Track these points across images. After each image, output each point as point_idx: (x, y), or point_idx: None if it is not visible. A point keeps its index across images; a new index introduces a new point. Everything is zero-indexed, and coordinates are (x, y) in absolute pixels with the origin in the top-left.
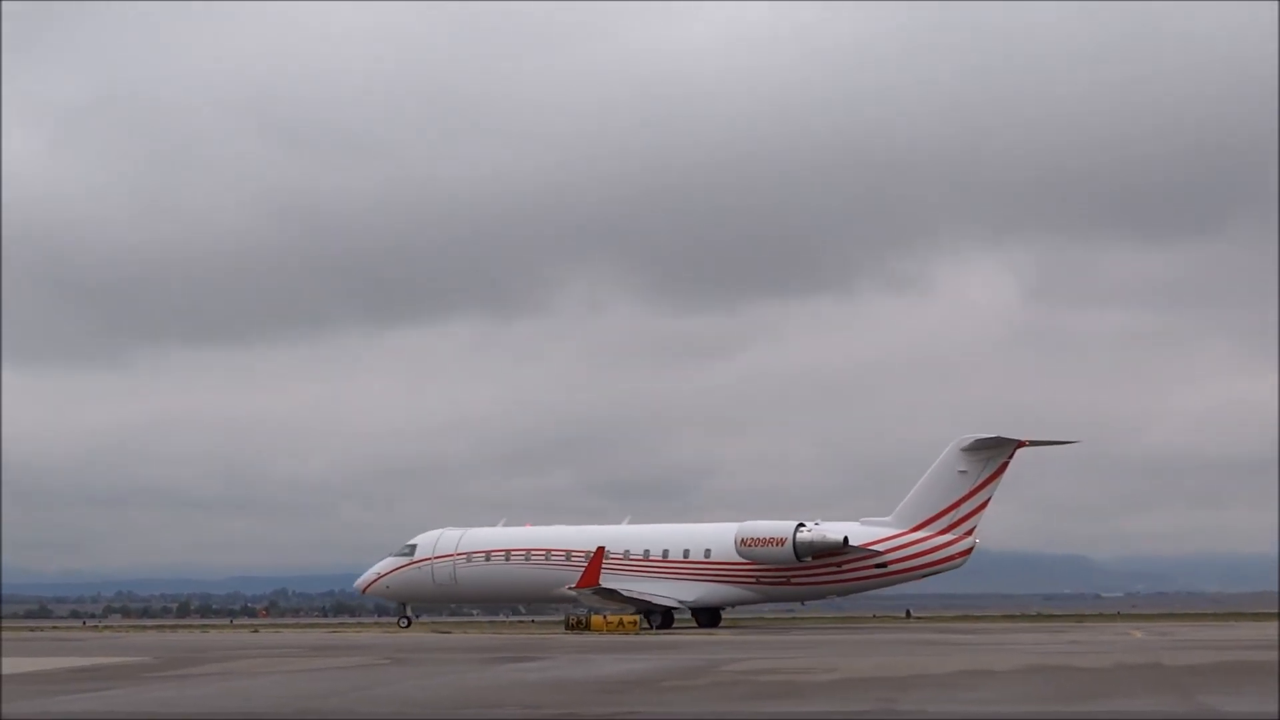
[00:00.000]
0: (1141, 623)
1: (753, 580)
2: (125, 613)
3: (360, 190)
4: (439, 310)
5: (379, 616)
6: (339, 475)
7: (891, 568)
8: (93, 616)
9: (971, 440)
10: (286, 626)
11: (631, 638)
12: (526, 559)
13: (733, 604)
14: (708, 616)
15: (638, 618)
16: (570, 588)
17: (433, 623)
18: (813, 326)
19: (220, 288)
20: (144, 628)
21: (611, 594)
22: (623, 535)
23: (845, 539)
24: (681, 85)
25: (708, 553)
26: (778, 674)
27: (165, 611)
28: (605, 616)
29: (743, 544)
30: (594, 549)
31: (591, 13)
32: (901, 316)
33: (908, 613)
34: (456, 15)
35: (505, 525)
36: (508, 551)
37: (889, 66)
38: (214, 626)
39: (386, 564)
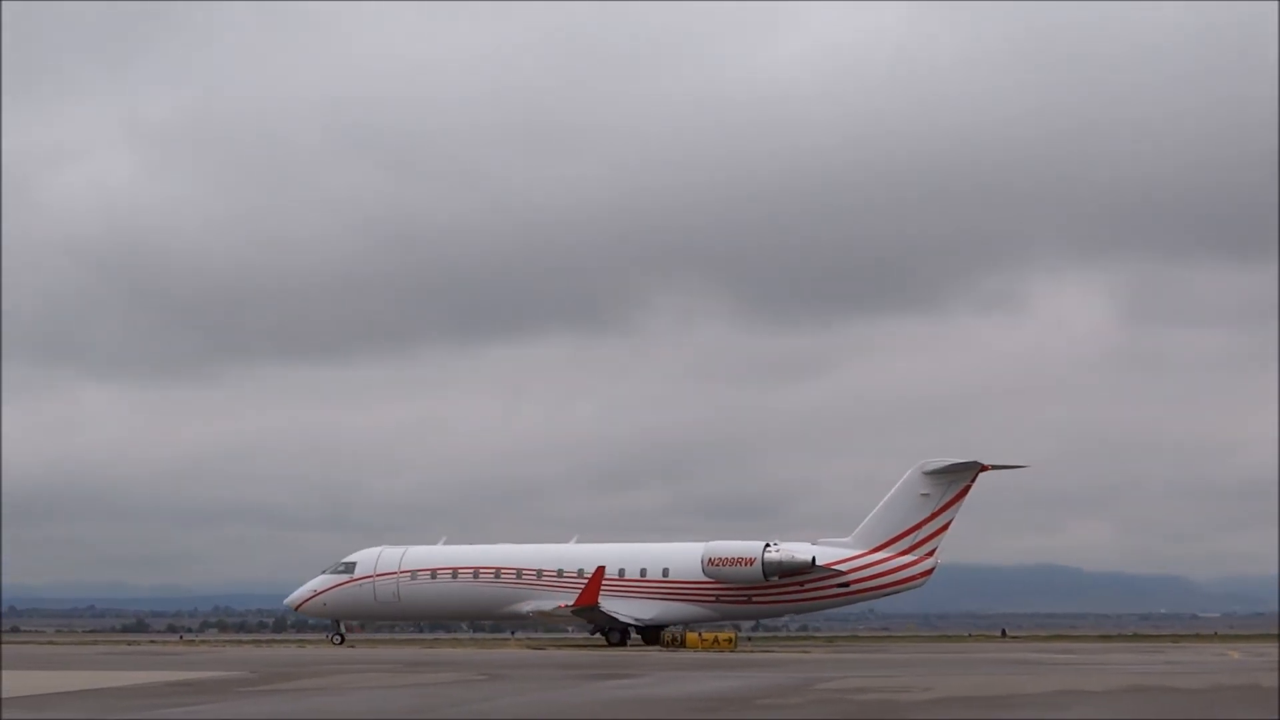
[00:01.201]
0: (1238, 643)
1: (712, 599)
2: (222, 627)
3: (454, 210)
4: (531, 328)
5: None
6: (431, 494)
7: (853, 587)
8: (189, 631)
9: (934, 464)
10: (381, 643)
11: (726, 655)
12: (475, 577)
13: (690, 621)
14: (651, 633)
15: (733, 635)
16: (567, 605)
17: (528, 639)
18: (904, 345)
19: (315, 306)
20: (240, 642)
21: (595, 611)
22: (576, 555)
23: (813, 559)
24: (774, 104)
25: (665, 571)
26: (874, 693)
27: (261, 626)
28: (700, 634)
29: (710, 563)
30: (545, 567)
31: (682, 34)
32: (993, 336)
33: (1003, 632)
34: (550, 40)
35: (445, 544)
36: (455, 569)
37: (982, 85)
38: (309, 642)
39: (322, 581)
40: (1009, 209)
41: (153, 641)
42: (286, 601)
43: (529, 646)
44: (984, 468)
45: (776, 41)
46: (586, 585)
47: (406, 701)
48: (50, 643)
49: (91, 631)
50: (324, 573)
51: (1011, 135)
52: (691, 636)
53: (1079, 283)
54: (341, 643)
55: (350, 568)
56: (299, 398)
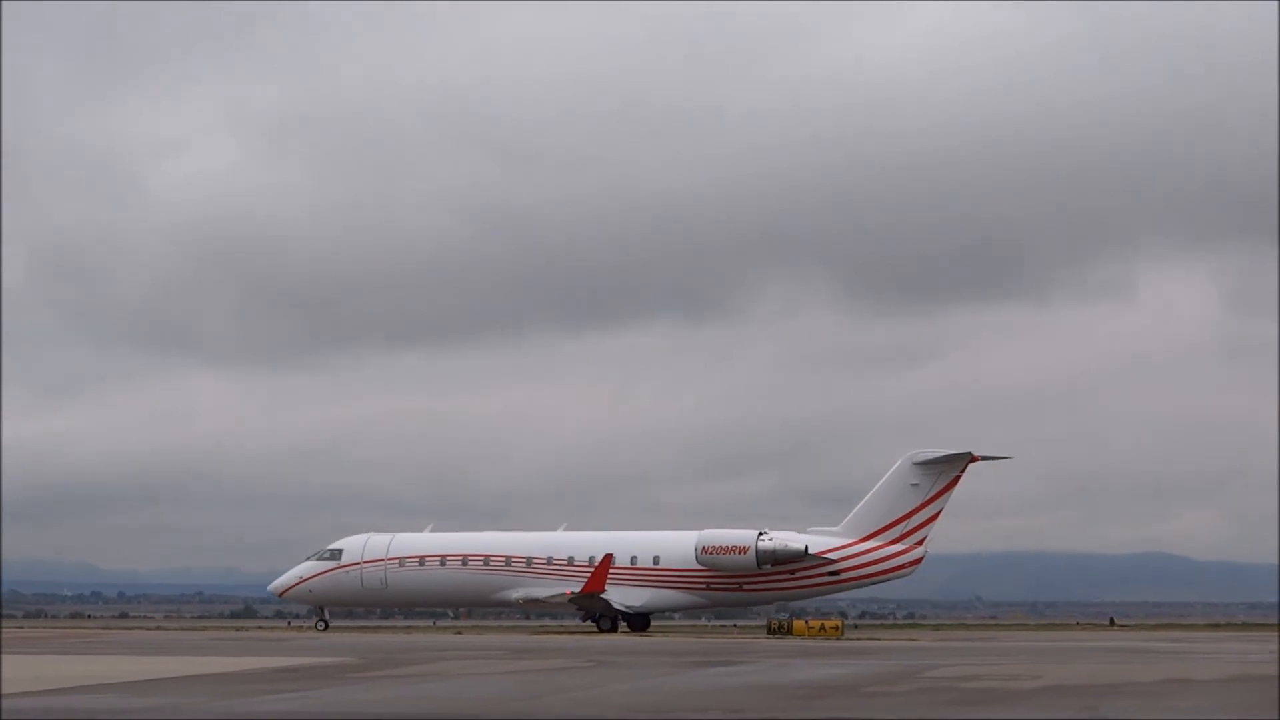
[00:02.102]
0: None
1: (703, 586)
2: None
3: (561, 198)
4: (638, 315)
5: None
6: (539, 480)
7: (843, 575)
8: (297, 617)
9: (924, 454)
10: (489, 629)
11: (833, 643)
12: (464, 564)
13: (682, 609)
14: (640, 621)
15: (840, 622)
16: (573, 592)
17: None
18: (1008, 333)
19: (423, 294)
20: (348, 629)
21: (596, 600)
22: (565, 542)
23: (806, 548)
24: (880, 93)
25: (656, 559)
26: (982, 680)
27: (368, 613)
28: (807, 621)
29: (704, 551)
30: (535, 555)
31: (792, 23)
32: (1099, 324)
33: (1111, 620)
34: (658, 27)
35: (432, 531)
36: (443, 557)
37: (1088, 74)
38: (416, 628)
39: (307, 568)
40: (1115, 198)
41: (260, 627)
42: (270, 588)
43: (638, 633)
44: (974, 458)
45: (886, 29)
46: (594, 572)
47: (514, 688)
48: (159, 628)
49: (200, 617)
50: (309, 559)
51: (1118, 124)
52: (798, 624)
53: (1185, 271)
54: (325, 629)
55: (337, 555)
56: (407, 385)
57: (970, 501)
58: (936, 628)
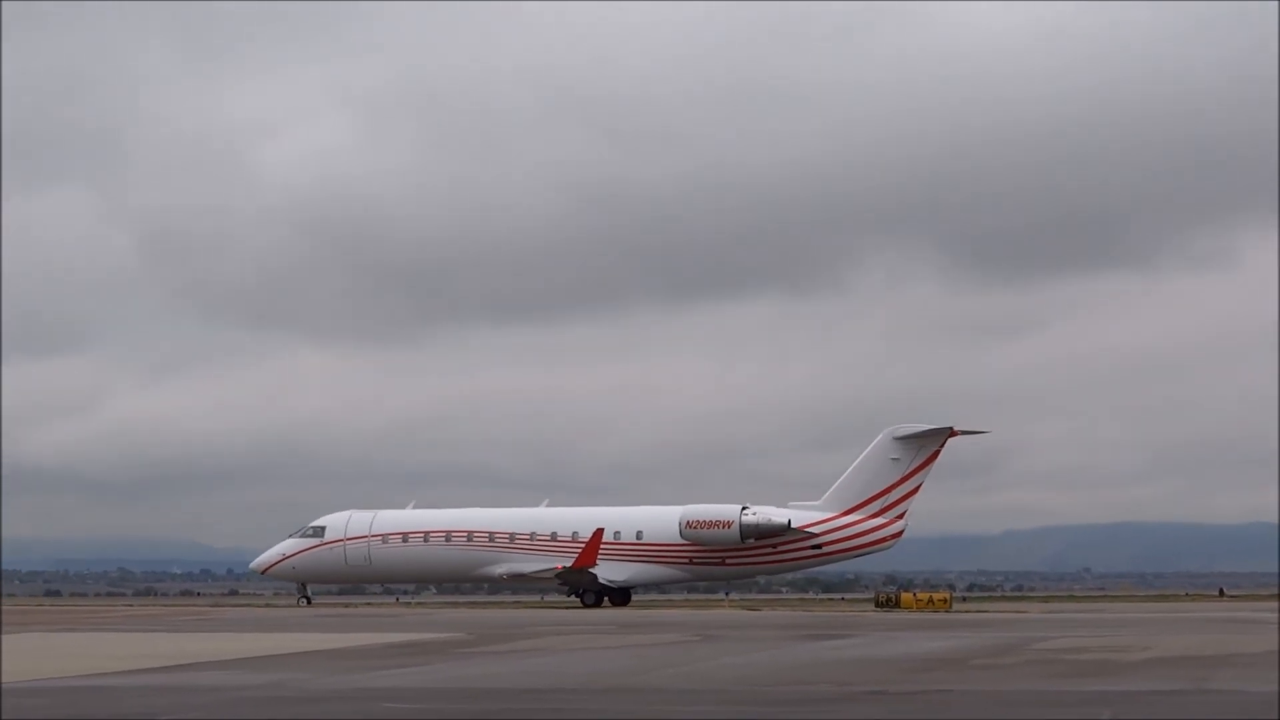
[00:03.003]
0: None
1: (686, 561)
2: (439, 589)
3: (664, 172)
4: (741, 289)
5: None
6: (643, 455)
7: (825, 549)
8: (406, 593)
9: (904, 429)
10: (356, 605)
11: (941, 616)
12: (447, 540)
13: (666, 583)
14: (621, 596)
15: (948, 595)
16: (565, 567)
17: (741, 600)
18: (1115, 303)
19: (526, 269)
20: (457, 604)
21: (585, 575)
22: (548, 518)
23: (789, 522)
24: (982, 62)
25: (639, 534)
26: (1090, 652)
27: (478, 589)
28: (915, 594)
29: (688, 526)
30: (518, 531)
31: None
32: (1205, 293)
33: (1221, 591)
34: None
35: (414, 508)
36: (426, 533)
37: (1191, 42)
38: (525, 604)
39: (290, 545)
40: (1221, 166)
41: (369, 604)
42: (252, 565)
43: (743, 608)
44: (953, 432)
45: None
46: (586, 547)
47: (624, 663)
48: (268, 605)
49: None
50: (291, 536)
51: (1224, 93)
52: (906, 596)
53: None
54: (308, 605)
55: (320, 531)
56: (511, 361)
57: (1078, 473)
58: (1045, 599)
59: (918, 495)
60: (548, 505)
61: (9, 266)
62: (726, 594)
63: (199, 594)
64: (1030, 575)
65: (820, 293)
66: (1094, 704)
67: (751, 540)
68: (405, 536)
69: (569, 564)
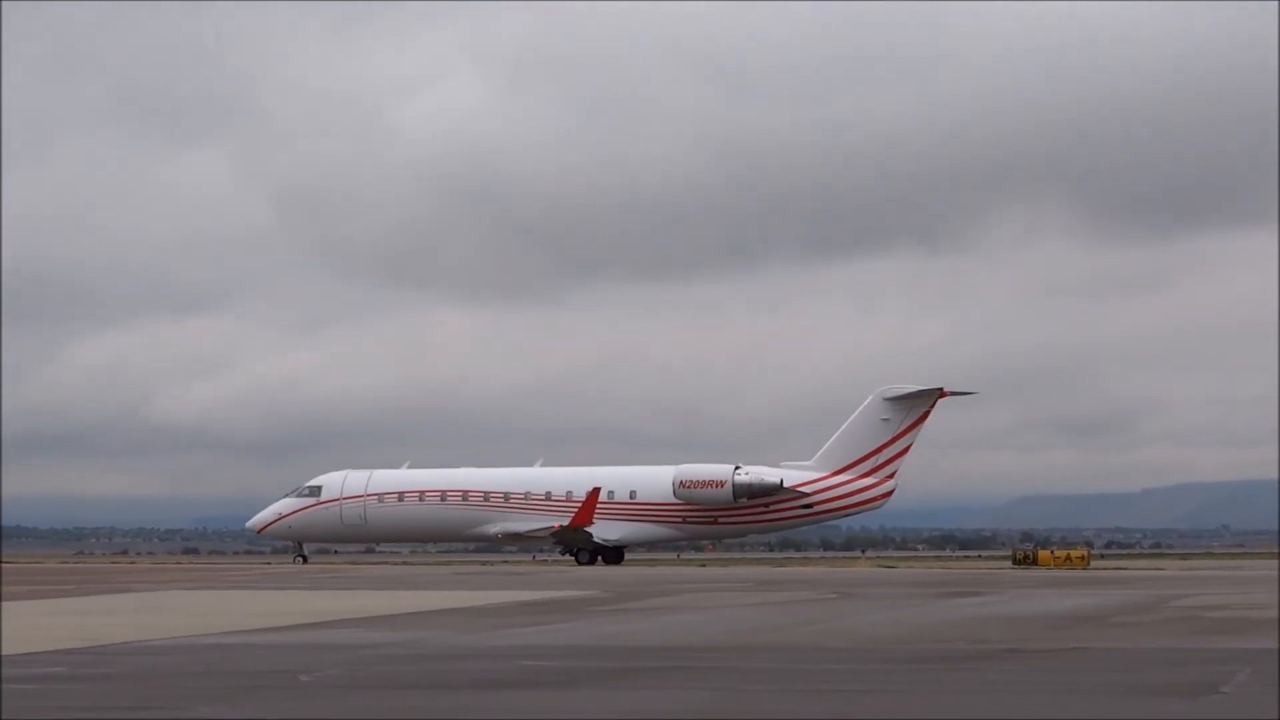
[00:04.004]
0: None
1: (679, 520)
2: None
3: (799, 127)
4: (875, 245)
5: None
6: (780, 412)
7: (816, 508)
8: (541, 550)
9: (894, 390)
10: (733, 561)
11: (1078, 573)
12: (442, 500)
13: (659, 542)
14: (615, 554)
15: (1086, 552)
16: (561, 526)
17: (878, 558)
18: (1248, 260)
19: (661, 225)
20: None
21: (579, 533)
22: (542, 478)
23: (780, 481)
24: (1116, 14)
25: (632, 494)
26: (1229, 610)
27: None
28: (1053, 551)
29: (681, 486)
30: (512, 490)
31: None
32: None
33: None
34: None
35: (409, 468)
36: (421, 492)
37: None
38: (660, 561)
39: (286, 505)
40: None
41: (505, 562)
42: (249, 525)
43: (880, 565)
44: (942, 393)
45: None
46: (582, 506)
47: (763, 620)
48: (404, 563)
49: (445, 553)
50: (287, 496)
51: None
52: (1044, 554)
53: None
54: (304, 563)
55: (316, 491)
56: (645, 317)
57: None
58: (1183, 557)
59: (908, 455)
60: (541, 465)
61: (150, 228)
62: (863, 552)
63: (335, 551)
64: (1168, 533)
65: (953, 249)
66: (1232, 662)
67: (744, 499)
68: (401, 496)
69: (564, 523)
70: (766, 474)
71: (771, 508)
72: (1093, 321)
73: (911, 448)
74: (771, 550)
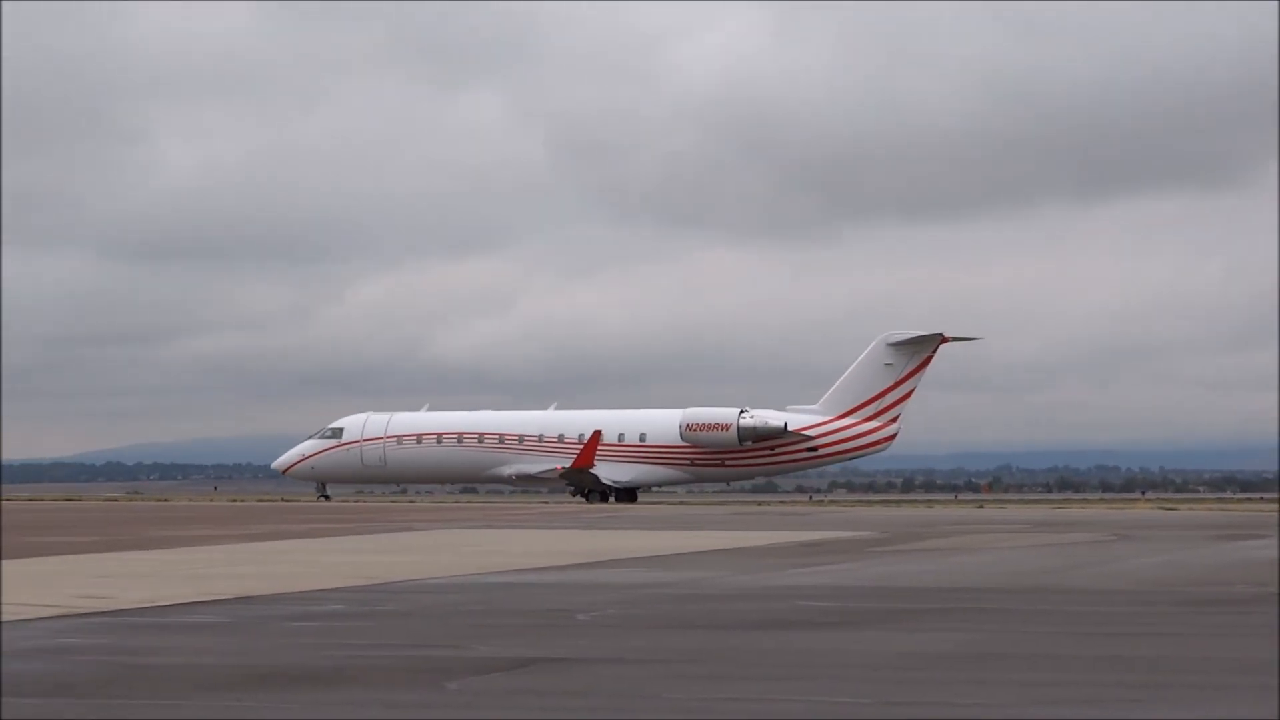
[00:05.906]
0: None
1: (687, 463)
2: (849, 488)
3: (1076, 66)
4: (1153, 185)
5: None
6: (1056, 353)
7: (820, 451)
8: (818, 491)
9: (897, 335)
10: (1010, 503)
11: None
12: (459, 442)
13: (667, 484)
14: (627, 495)
15: None
16: (564, 468)
17: (1158, 500)
18: None
19: (935, 166)
20: (869, 503)
21: (585, 475)
22: (556, 420)
23: (785, 425)
24: None
25: (642, 436)
26: None
27: (889, 487)
28: None
29: (688, 429)
30: (526, 433)
31: None
32: None
33: None
34: None
35: (429, 410)
36: (439, 435)
37: None
38: (938, 502)
39: (309, 446)
40: None
41: (781, 502)
42: (274, 465)
43: (1159, 507)
44: (944, 339)
45: None
46: (583, 448)
47: (1041, 562)
48: (681, 503)
49: (719, 492)
50: (311, 438)
51: None
52: None
53: None
54: (327, 501)
55: (338, 433)
56: (920, 258)
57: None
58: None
59: (911, 399)
60: (556, 409)
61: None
62: (1143, 493)
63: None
64: None
65: (1233, 189)
66: None
67: (749, 442)
68: (419, 438)
69: (570, 465)
70: (771, 418)
71: (776, 450)
72: None
73: (914, 392)
74: (1050, 491)
